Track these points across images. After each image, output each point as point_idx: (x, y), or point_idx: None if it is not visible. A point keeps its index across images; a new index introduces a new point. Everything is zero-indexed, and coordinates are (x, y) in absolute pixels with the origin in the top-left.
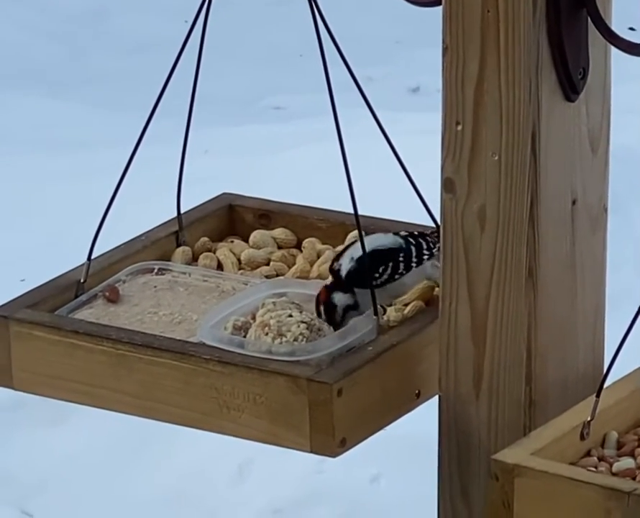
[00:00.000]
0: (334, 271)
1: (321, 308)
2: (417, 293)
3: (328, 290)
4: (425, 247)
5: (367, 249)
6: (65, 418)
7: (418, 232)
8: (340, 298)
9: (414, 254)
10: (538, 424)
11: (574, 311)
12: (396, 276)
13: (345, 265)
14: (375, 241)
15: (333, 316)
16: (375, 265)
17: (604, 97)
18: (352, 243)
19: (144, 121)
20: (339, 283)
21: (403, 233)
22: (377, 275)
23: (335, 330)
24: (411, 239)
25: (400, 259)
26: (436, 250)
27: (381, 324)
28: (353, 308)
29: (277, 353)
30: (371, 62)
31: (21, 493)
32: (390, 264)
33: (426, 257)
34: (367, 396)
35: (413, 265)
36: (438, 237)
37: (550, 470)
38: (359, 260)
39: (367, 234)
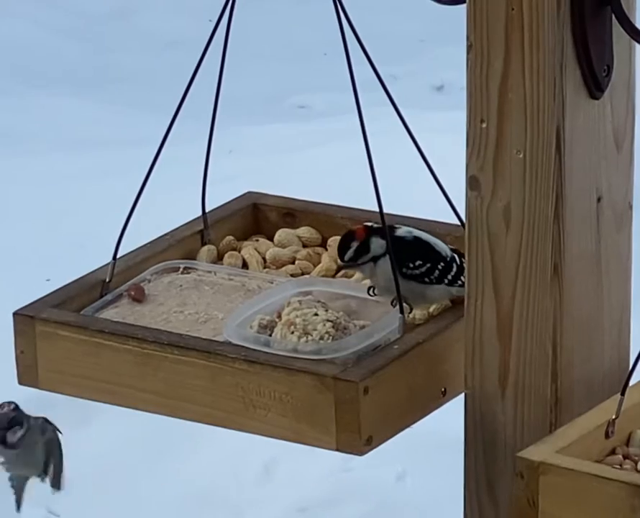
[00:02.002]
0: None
1: (354, 244)
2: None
3: (368, 229)
4: (465, 273)
5: (419, 237)
6: (90, 417)
7: (464, 255)
8: (375, 244)
9: (453, 272)
10: (563, 421)
11: (600, 309)
12: (426, 279)
13: (401, 231)
14: (427, 236)
15: (359, 257)
16: (413, 255)
17: (628, 94)
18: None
19: (169, 120)
20: (382, 233)
21: (452, 247)
22: (411, 265)
23: (348, 264)
24: (457, 258)
25: (439, 267)
26: None
27: (407, 322)
28: (376, 260)
29: (303, 352)
30: (395, 61)
31: (48, 493)
32: (428, 264)
33: (459, 283)
34: (393, 394)
35: (446, 281)
36: None
37: (575, 467)
38: (415, 239)
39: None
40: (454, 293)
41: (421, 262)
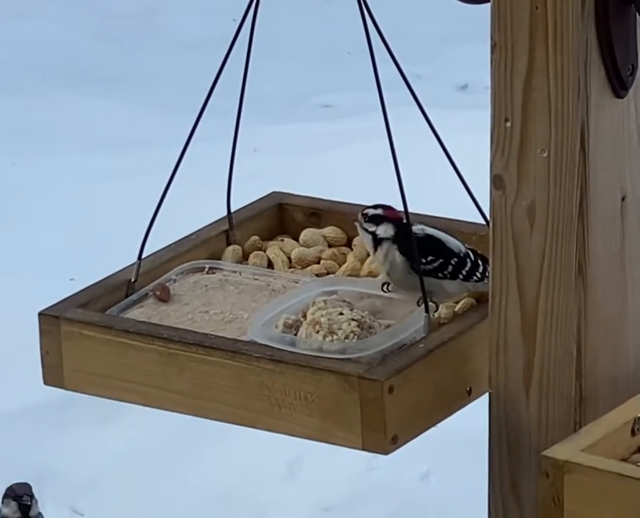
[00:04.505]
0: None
1: (377, 211)
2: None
3: (394, 217)
4: (480, 270)
5: (430, 234)
6: (115, 417)
7: (481, 254)
8: (385, 227)
9: (467, 267)
10: (588, 420)
11: (624, 307)
12: (440, 274)
13: (415, 228)
14: (439, 233)
15: (370, 223)
16: (426, 251)
17: None
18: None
19: (194, 119)
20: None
21: (467, 245)
22: (424, 260)
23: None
24: (471, 255)
25: (452, 262)
26: (486, 280)
27: (432, 321)
28: (378, 240)
29: (329, 351)
30: (419, 60)
31: (72, 492)
32: (441, 260)
33: (474, 278)
34: (419, 393)
35: (460, 276)
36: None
37: (600, 466)
38: (427, 236)
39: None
40: (471, 288)
41: (433, 258)
